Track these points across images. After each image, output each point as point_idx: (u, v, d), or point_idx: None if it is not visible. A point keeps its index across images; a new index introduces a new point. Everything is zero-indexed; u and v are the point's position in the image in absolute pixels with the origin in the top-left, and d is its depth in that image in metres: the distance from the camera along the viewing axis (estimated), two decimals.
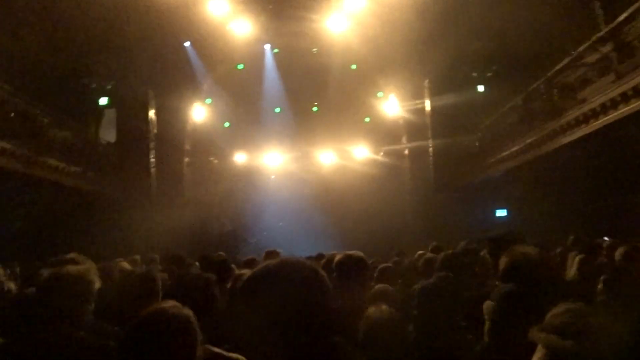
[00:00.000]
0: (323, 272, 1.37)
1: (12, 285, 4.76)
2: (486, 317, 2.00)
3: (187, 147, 16.46)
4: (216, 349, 2.04)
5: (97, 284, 2.22)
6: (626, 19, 7.32)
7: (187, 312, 1.62)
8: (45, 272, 2.16)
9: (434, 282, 3.44)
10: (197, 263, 7.56)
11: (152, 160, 14.24)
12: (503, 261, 2.32)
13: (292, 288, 1.28)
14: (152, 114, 14.29)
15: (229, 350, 2.05)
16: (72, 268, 2.12)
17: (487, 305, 2.01)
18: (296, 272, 1.31)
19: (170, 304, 1.65)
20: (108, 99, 14.62)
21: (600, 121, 8.27)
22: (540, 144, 10.33)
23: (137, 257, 8.77)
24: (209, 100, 16.14)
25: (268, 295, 1.28)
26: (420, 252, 7.53)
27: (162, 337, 1.52)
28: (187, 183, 16.36)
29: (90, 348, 2.04)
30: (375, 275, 4.68)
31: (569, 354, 1.07)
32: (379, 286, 3.68)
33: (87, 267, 2.30)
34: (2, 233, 10.00)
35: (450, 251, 4.99)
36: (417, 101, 15.78)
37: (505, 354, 1.82)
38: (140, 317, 1.59)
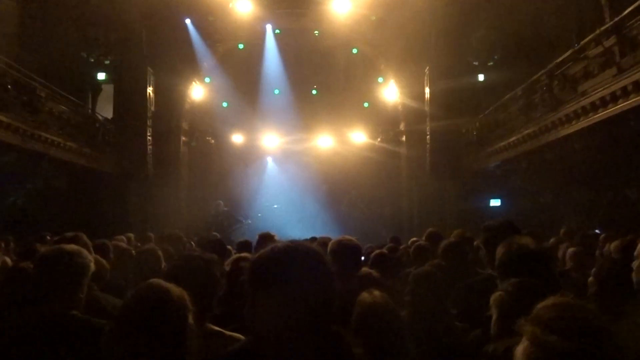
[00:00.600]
0: (328, 258, 1.39)
1: (7, 259, 4.76)
2: (494, 308, 2.00)
3: (185, 126, 16.39)
4: (217, 328, 2.05)
5: (92, 263, 2.22)
6: (631, 12, 7.28)
7: (178, 289, 1.62)
8: (43, 249, 2.16)
9: (427, 269, 3.46)
10: (192, 242, 7.63)
11: (149, 138, 14.18)
12: (500, 251, 2.34)
13: (302, 274, 1.29)
14: (150, 91, 14.19)
15: (234, 331, 2.06)
16: (68, 246, 2.13)
17: (496, 296, 2.00)
18: (306, 258, 1.33)
19: (159, 281, 1.65)
20: (106, 75, 14.49)
21: (599, 115, 8.27)
22: (538, 135, 10.34)
23: (131, 235, 8.83)
24: (207, 79, 16.02)
25: (278, 281, 1.29)
26: (413, 239, 7.59)
27: (151, 313, 1.53)
28: (184, 162, 16.33)
29: (83, 327, 2.04)
30: (369, 261, 4.71)
31: (552, 349, 1.06)
32: (364, 270, 3.66)
33: (82, 246, 2.30)
34: None
35: (451, 240, 5.00)
36: (417, 88, 15.73)
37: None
38: (131, 295, 1.60)
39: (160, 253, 3.93)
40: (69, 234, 2.83)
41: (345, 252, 3.51)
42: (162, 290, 1.59)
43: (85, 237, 2.87)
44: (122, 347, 1.48)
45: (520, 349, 1.12)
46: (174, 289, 1.60)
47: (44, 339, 1.95)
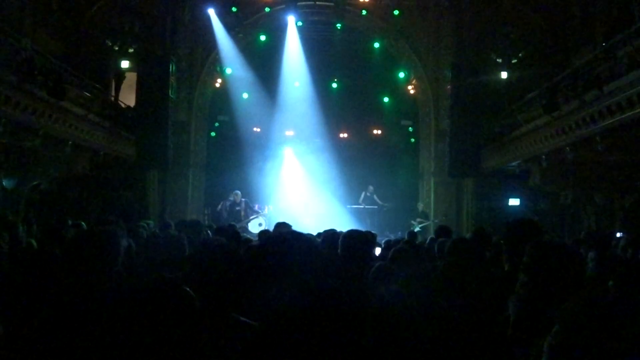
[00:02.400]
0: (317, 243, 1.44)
1: (33, 242, 4.90)
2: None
3: (205, 115, 16.55)
4: (242, 318, 2.06)
5: (124, 243, 2.28)
6: None
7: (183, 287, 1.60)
8: (73, 231, 2.24)
9: (437, 265, 3.45)
10: (208, 232, 7.72)
11: (170, 126, 14.33)
12: (531, 249, 2.30)
13: (296, 260, 1.36)
14: (172, 80, 14.32)
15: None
16: (100, 228, 2.19)
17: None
18: (296, 241, 1.39)
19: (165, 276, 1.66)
20: (130, 63, 14.65)
21: (625, 115, 8.14)
22: (560, 134, 10.20)
23: (151, 221, 8.97)
24: (229, 70, 16.11)
25: (275, 266, 1.34)
26: (432, 236, 7.60)
27: (159, 304, 1.50)
28: (203, 151, 16.49)
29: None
30: (390, 255, 4.73)
31: (580, 337, 1.13)
32: (379, 264, 3.67)
33: (119, 230, 2.37)
34: (21, 191, 10.20)
35: (460, 236, 4.97)
36: (439, 84, 15.65)
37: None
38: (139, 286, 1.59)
39: (185, 240, 4.03)
40: (109, 218, 2.92)
41: (355, 243, 3.55)
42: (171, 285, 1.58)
43: (122, 223, 2.95)
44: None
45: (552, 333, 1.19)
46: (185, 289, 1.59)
47: (78, 307, 2.00)
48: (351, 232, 3.76)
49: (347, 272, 3.31)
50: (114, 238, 2.32)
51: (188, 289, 1.51)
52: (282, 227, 5.60)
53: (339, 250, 3.63)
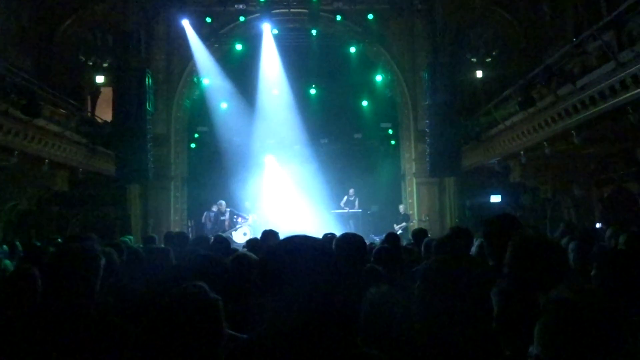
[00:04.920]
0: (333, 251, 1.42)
1: (7, 263, 4.79)
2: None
3: (184, 128, 16.44)
4: (231, 332, 2.03)
5: (103, 260, 2.23)
6: (628, 7, 7.31)
7: (214, 295, 1.63)
8: (53, 249, 2.18)
9: (432, 264, 3.48)
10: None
11: (149, 140, 14.20)
12: (513, 243, 2.33)
13: (310, 267, 1.30)
14: (149, 93, 14.21)
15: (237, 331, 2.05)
16: (78, 245, 2.14)
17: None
18: (315, 252, 1.34)
19: (195, 286, 1.65)
20: (105, 77, 14.50)
21: (598, 108, 8.30)
22: (537, 130, 10.36)
23: (131, 237, 8.81)
24: (206, 81, 16.04)
25: (288, 273, 1.30)
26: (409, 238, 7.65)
27: (189, 320, 1.54)
28: (183, 163, 16.37)
29: (99, 323, 2.05)
30: (372, 257, 4.74)
31: (567, 324, 1.18)
32: (369, 265, 3.68)
33: (93, 246, 2.32)
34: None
35: (444, 235, 5.01)
36: (416, 85, 15.78)
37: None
38: (166, 299, 1.60)
39: (171, 253, 4.03)
40: (80, 235, 2.87)
41: (350, 247, 3.55)
42: (200, 293, 1.60)
43: (95, 237, 2.90)
44: (153, 349, 1.48)
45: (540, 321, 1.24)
46: (210, 293, 1.61)
47: (59, 335, 1.97)
48: (346, 236, 3.78)
49: (346, 278, 3.30)
50: (91, 254, 2.26)
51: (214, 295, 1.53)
52: (269, 235, 5.59)
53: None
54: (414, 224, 14.59)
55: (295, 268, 1.29)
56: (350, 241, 3.70)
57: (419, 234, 6.20)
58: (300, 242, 1.38)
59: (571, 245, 5.34)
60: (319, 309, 1.27)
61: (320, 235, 6.59)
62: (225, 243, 5.10)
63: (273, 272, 1.32)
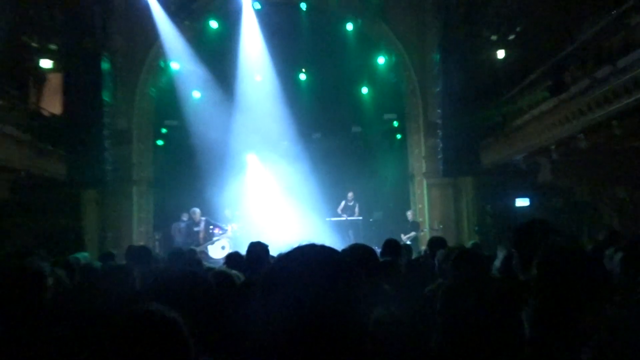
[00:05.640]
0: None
1: None
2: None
3: (149, 121, 16.38)
4: None
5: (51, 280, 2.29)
6: None
7: (175, 315, 1.66)
8: None
9: (454, 282, 3.41)
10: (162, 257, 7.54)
11: (107, 137, 14.06)
12: (542, 253, 2.27)
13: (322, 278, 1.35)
14: (106, 80, 14.07)
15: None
16: (20, 262, 2.10)
17: None
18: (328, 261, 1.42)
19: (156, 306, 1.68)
20: (53, 62, 14.33)
21: None
22: (571, 120, 10.32)
23: (86, 254, 8.65)
24: (175, 65, 15.92)
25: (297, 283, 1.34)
26: (424, 248, 7.60)
27: (153, 343, 1.57)
28: (149, 163, 16.27)
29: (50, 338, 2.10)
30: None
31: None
32: (374, 281, 3.61)
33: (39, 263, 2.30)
34: None
35: (463, 247, 4.96)
36: (425, 69, 15.74)
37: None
38: (125, 319, 1.62)
39: (135, 271, 4.02)
40: (23, 250, 2.83)
41: (362, 262, 3.58)
42: (163, 319, 1.62)
43: (41, 253, 2.86)
44: None
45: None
46: (170, 313, 1.63)
47: None
48: (356, 249, 3.86)
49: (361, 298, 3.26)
50: (36, 274, 2.23)
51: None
52: (257, 248, 5.48)
53: None
54: (425, 234, 14.55)
55: (311, 284, 1.34)
56: (361, 255, 3.72)
57: (436, 243, 6.15)
58: (319, 253, 1.44)
59: (617, 257, 5.29)
60: (331, 331, 1.31)
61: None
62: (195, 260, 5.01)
63: (283, 289, 1.35)
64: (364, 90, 17.24)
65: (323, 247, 1.46)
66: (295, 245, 1.49)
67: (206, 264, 8.42)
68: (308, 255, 1.41)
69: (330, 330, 1.31)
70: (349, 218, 15.71)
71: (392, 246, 5.72)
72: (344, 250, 3.76)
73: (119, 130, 15.06)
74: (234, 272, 3.74)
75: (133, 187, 15.47)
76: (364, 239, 14.92)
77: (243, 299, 2.92)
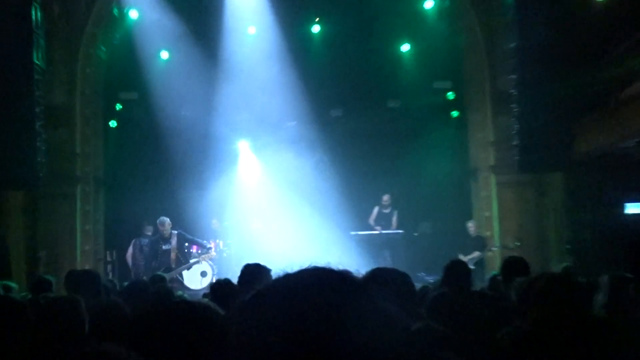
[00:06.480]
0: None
1: None
2: None
3: (96, 96, 16.45)
4: None
5: None
6: None
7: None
8: None
9: (539, 325, 3.39)
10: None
11: (38, 115, 14.16)
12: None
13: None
14: (38, 37, 14.16)
15: None
16: None
17: None
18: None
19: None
20: None
21: None
22: None
23: (12, 284, 8.76)
24: (134, 13, 16.01)
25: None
26: (495, 274, 7.59)
27: None
28: (98, 155, 16.36)
29: None
30: (426, 309, 4.69)
31: None
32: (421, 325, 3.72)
33: None
34: None
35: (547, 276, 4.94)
36: (495, 18, 15.68)
37: None
38: None
39: (82, 306, 4.07)
40: None
41: (387, 290, 3.51)
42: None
43: None
44: None
45: None
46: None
47: None
48: (382, 273, 3.91)
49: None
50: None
51: None
52: (255, 273, 5.48)
53: None
54: (494, 254, 14.47)
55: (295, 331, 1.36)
56: (390, 282, 3.75)
57: (512, 268, 6.16)
58: (315, 284, 1.43)
59: None
60: None
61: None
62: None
63: (258, 334, 1.38)
64: (405, 47, 17.17)
65: (324, 274, 1.46)
66: (290, 269, 1.50)
67: (183, 293, 8.50)
68: (296, 288, 1.42)
69: None
70: (384, 231, 15.67)
71: (457, 271, 5.70)
72: (364, 279, 3.78)
73: (56, 107, 15.14)
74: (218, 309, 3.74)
75: (76, 187, 15.52)
76: (406, 261, 14.94)
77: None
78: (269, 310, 1.39)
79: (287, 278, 1.45)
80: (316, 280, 1.42)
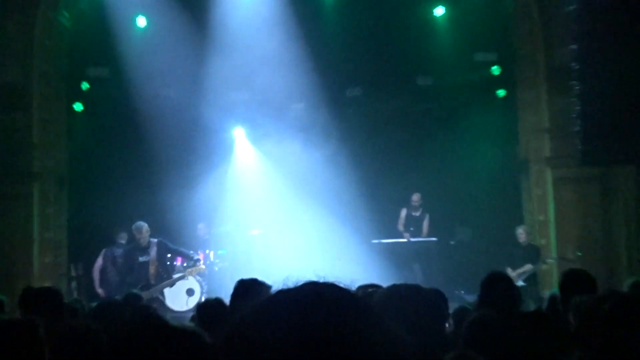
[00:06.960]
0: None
1: None
2: None
3: (57, 71, 16.51)
4: None
5: None
6: None
7: None
8: None
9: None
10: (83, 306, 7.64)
11: None
12: None
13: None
14: None
15: None
16: None
17: None
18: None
19: None
20: None
21: None
22: None
23: None
24: None
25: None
26: (553, 292, 7.57)
27: None
28: (60, 146, 16.42)
29: None
30: (464, 337, 4.68)
31: None
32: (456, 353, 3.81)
33: None
34: None
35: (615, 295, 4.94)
36: None
37: None
38: None
39: (41, 330, 4.08)
40: None
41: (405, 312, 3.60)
42: None
43: None
44: None
45: None
46: None
47: None
48: (395, 290, 3.93)
49: None
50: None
51: None
52: (251, 291, 5.51)
53: None
54: (550, 266, 14.43)
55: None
56: (404, 299, 3.75)
57: (573, 284, 6.21)
58: (312, 307, 1.46)
59: None
60: None
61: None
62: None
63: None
64: (439, 11, 17.17)
65: (326, 291, 1.51)
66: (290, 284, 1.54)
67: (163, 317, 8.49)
68: (290, 312, 1.45)
69: None
70: (414, 239, 15.69)
71: (498, 287, 5.69)
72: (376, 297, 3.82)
73: (7, 85, 15.23)
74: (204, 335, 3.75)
75: (33, 186, 15.59)
76: (439, 275, 14.95)
77: None
78: (260, 335, 1.42)
79: (279, 297, 1.50)
80: (312, 301, 1.46)
